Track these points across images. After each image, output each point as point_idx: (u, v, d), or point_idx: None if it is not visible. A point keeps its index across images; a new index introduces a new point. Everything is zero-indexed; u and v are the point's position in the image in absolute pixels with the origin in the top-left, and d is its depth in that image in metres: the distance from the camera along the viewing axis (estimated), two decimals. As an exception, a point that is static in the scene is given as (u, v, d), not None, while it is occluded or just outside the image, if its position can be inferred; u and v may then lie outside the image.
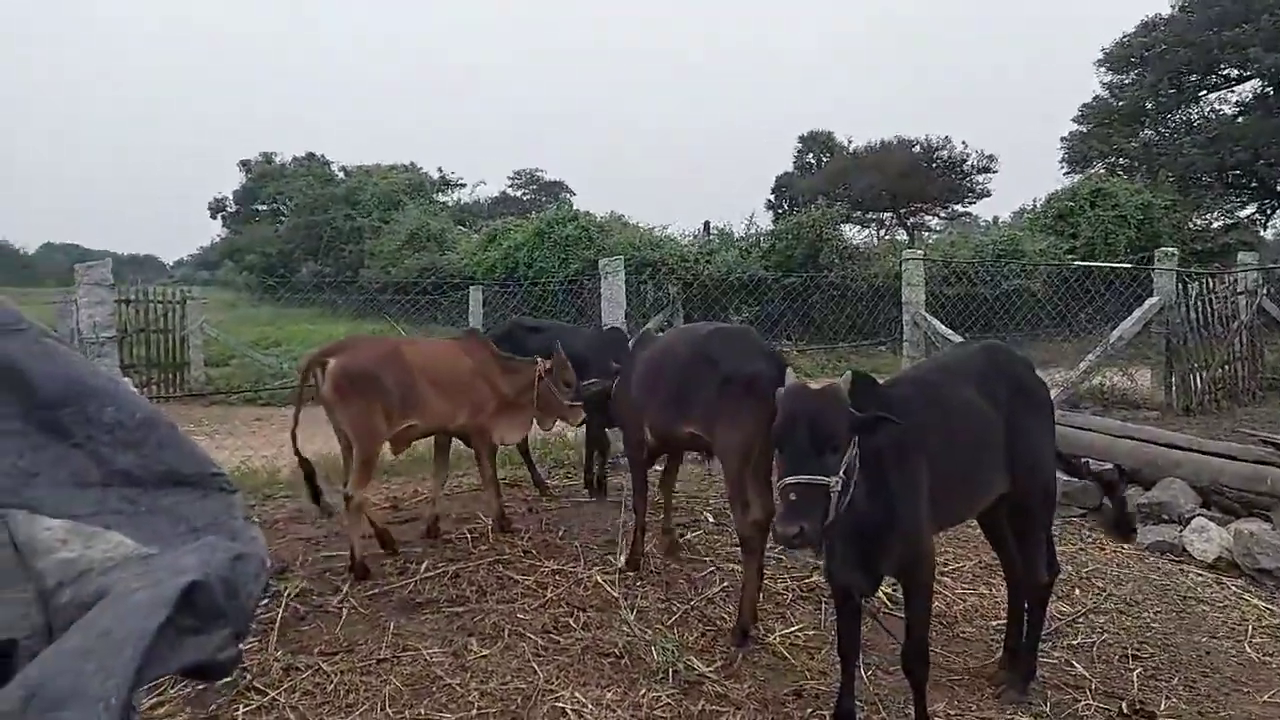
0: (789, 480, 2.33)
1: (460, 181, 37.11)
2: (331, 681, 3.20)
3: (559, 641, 3.57)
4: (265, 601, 3.80)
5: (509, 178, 44.68)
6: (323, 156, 39.08)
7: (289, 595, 3.95)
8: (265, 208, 40.46)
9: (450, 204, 33.73)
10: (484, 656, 3.43)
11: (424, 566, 4.37)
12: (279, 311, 24.45)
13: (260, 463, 6.72)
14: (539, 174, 44.64)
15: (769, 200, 38.37)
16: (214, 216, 44.41)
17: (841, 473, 2.37)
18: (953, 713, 3.03)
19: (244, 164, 41.85)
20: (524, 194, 43.21)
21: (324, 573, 4.33)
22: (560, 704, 3.07)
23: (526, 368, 5.03)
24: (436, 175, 35.61)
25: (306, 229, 29.76)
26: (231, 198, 43.13)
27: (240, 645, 1.22)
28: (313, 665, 3.32)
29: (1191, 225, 20.23)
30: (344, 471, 4.58)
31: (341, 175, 35.40)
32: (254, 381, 12.23)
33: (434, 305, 16.77)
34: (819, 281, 14.91)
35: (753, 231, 18.88)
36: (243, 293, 33.84)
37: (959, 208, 35.63)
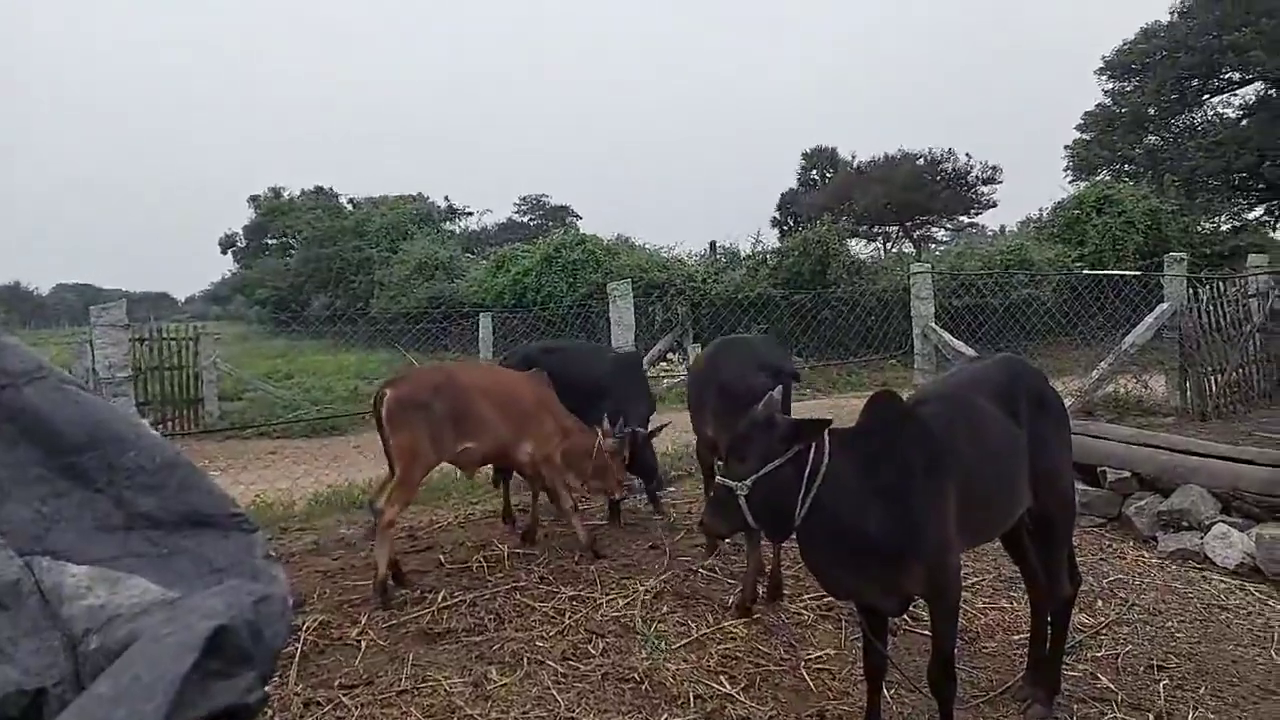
0: (720, 483, 2.70)
1: (467, 210, 37.43)
2: (352, 715, 3.20)
3: (578, 668, 3.56)
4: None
5: (515, 204, 45.01)
6: (331, 189, 39.51)
7: (308, 628, 3.95)
8: (275, 242, 40.81)
9: (458, 232, 33.97)
10: (503, 685, 3.42)
11: (441, 596, 4.37)
12: (291, 344, 24.63)
13: (276, 496, 6.75)
14: (545, 199, 44.94)
15: (774, 217, 38.47)
16: (224, 252, 44.85)
17: (752, 479, 2.58)
18: (978, 730, 3.00)
19: (253, 199, 42.30)
20: (530, 219, 43.45)
21: (342, 605, 4.33)
22: (582, 732, 3.06)
23: (588, 434, 5.14)
24: (443, 204, 35.92)
25: (316, 261, 30.00)
26: (242, 233, 43.54)
27: (267, 686, 1.23)
28: (333, 699, 3.32)
29: (1199, 229, 20.18)
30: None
31: (350, 207, 35.73)
32: (267, 415, 12.30)
33: (444, 333, 16.86)
34: (827, 297, 14.93)
35: (759, 249, 18.94)
36: (254, 326, 34.12)
37: (965, 219, 35.63)
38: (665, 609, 4.18)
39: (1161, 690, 3.29)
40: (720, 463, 2.82)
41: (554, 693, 3.35)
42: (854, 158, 38.17)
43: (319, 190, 39.56)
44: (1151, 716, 3.06)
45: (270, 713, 3.21)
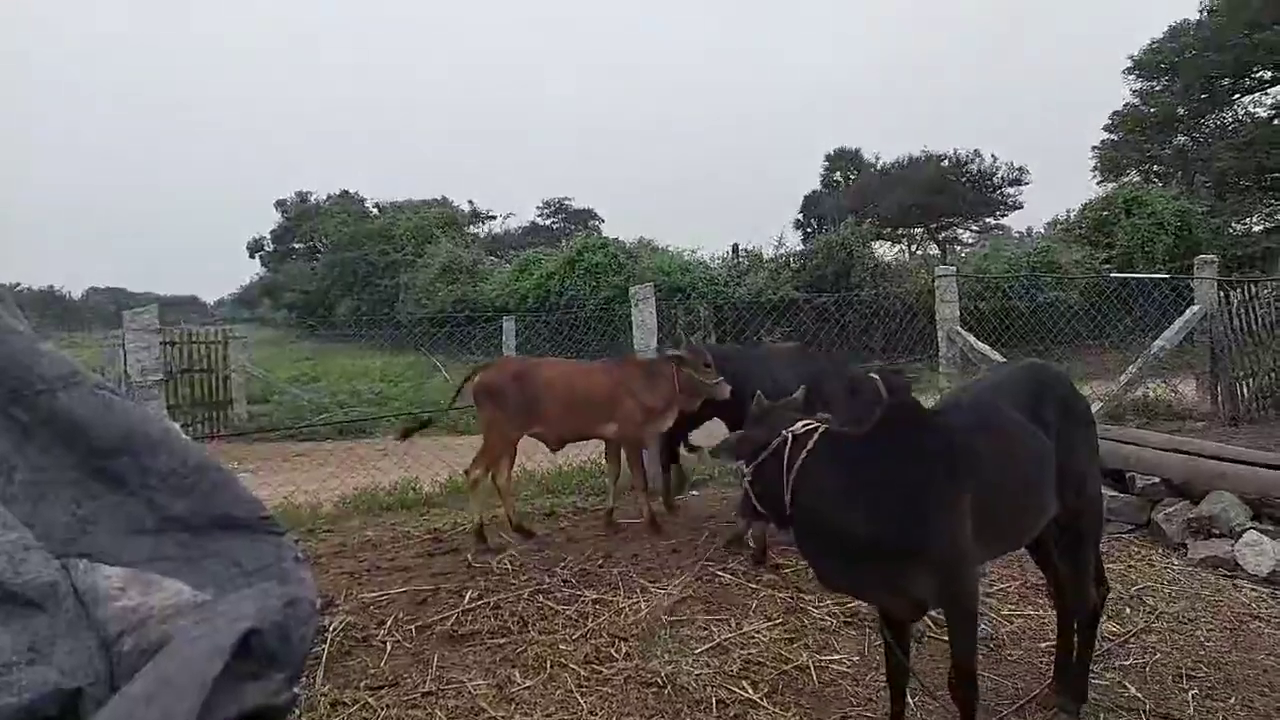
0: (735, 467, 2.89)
1: (491, 214, 37.70)
2: (378, 716, 3.24)
3: (601, 672, 3.57)
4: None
5: (538, 207, 45.20)
6: (357, 194, 39.94)
7: (334, 630, 4.00)
8: (301, 246, 41.32)
9: (482, 236, 34.21)
10: (527, 688, 3.45)
11: (466, 598, 4.40)
12: (318, 347, 24.91)
13: (303, 498, 6.83)
14: (567, 202, 45.10)
15: (798, 219, 38.34)
16: (252, 256, 45.49)
17: (751, 467, 2.73)
18: (1003, 739, 2.98)
19: (280, 204, 42.89)
20: (553, 223, 43.62)
21: (368, 606, 4.38)
22: (604, 736, 3.07)
23: (664, 365, 5.71)
24: (468, 208, 36.19)
25: (342, 265, 30.33)
26: (269, 237, 44.13)
27: (295, 688, 1.25)
28: (359, 700, 3.36)
29: (1231, 231, 19.85)
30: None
31: (375, 211, 36.09)
32: (294, 418, 12.44)
33: (468, 336, 16.98)
34: (851, 300, 14.85)
35: (782, 252, 18.89)
36: (282, 330, 34.54)
37: (991, 221, 35.29)
38: (688, 613, 4.18)
39: (1190, 700, 3.24)
40: None
41: (577, 696, 3.36)
42: (878, 159, 38.01)
43: (345, 194, 40.01)
44: (1180, 726, 3.02)
45: (298, 713, 3.25)
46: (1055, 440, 2.91)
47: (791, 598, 4.30)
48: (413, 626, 4.08)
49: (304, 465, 8.95)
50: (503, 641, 3.91)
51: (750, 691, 3.36)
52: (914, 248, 34.60)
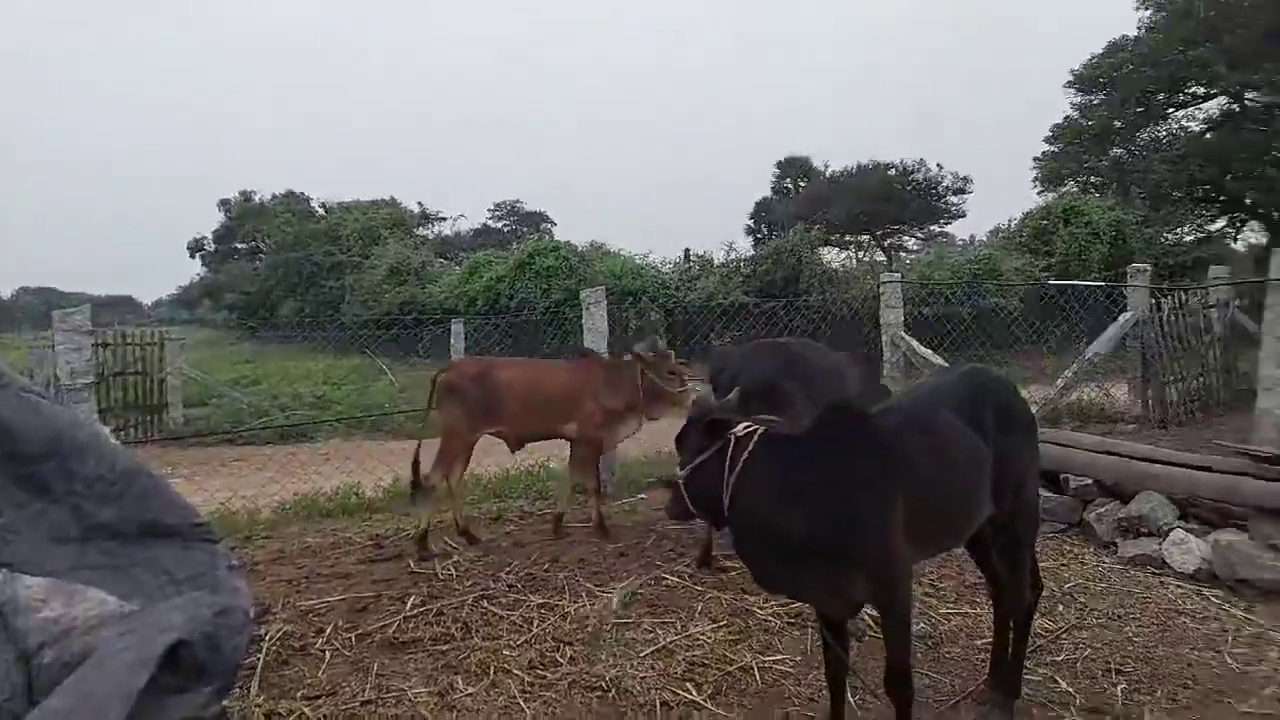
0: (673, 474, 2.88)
1: (440, 215, 37.25)
2: (317, 726, 3.18)
3: (545, 677, 3.56)
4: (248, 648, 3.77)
5: (489, 210, 44.82)
6: (302, 193, 39.10)
7: (271, 639, 3.92)
8: (244, 246, 40.33)
9: (431, 237, 33.78)
10: (469, 695, 3.42)
11: (408, 605, 4.35)
12: (259, 349, 24.34)
13: (241, 504, 6.67)
14: (519, 205, 44.81)
15: (748, 225, 38.70)
16: (193, 256, 44.20)
17: (687, 469, 2.76)
18: (939, 736, 3.04)
19: (223, 203, 41.79)
20: (505, 225, 43.31)
21: (307, 614, 4.30)
22: (548, 741, 3.06)
23: (630, 367, 5.70)
24: (417, 209, 35.71)
25: (286, 266, 29.67)
26: (210, 236, 42.99)
27: (225, 700, 1.23)
28: (295, 710, 3.29)
29: (1163, 240, 20.59)
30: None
31: (321, 211, 35.40)
32: (234, 421, 12.13)
33: (415, 338, 16.76)
34: (799, 305, 15.03)
35: (733, 257, 19.05)
36: (222, 331, 33.67)
37: (935, 228, 36.04)
38: (634, 616, 4.19)
39: (1119, 694, 3.35)
40: None
41: (520, 702, 3.35)
42: (827, 167, 38.52)
43: (290, 194, 39.14)
44: (1108, 719, 3.11)
45: (232, 725, 3.18)
46: (993, 444, 2.98)
47: (737, 599, 4.34)
48: (352, 634, 4.02)
49: (242, 470, 8.74)
50: (445, 648, 3.87)
51: (694, 693, 3.38)
52: (861, 254, 35.10)
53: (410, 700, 3.37)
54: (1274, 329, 6.04)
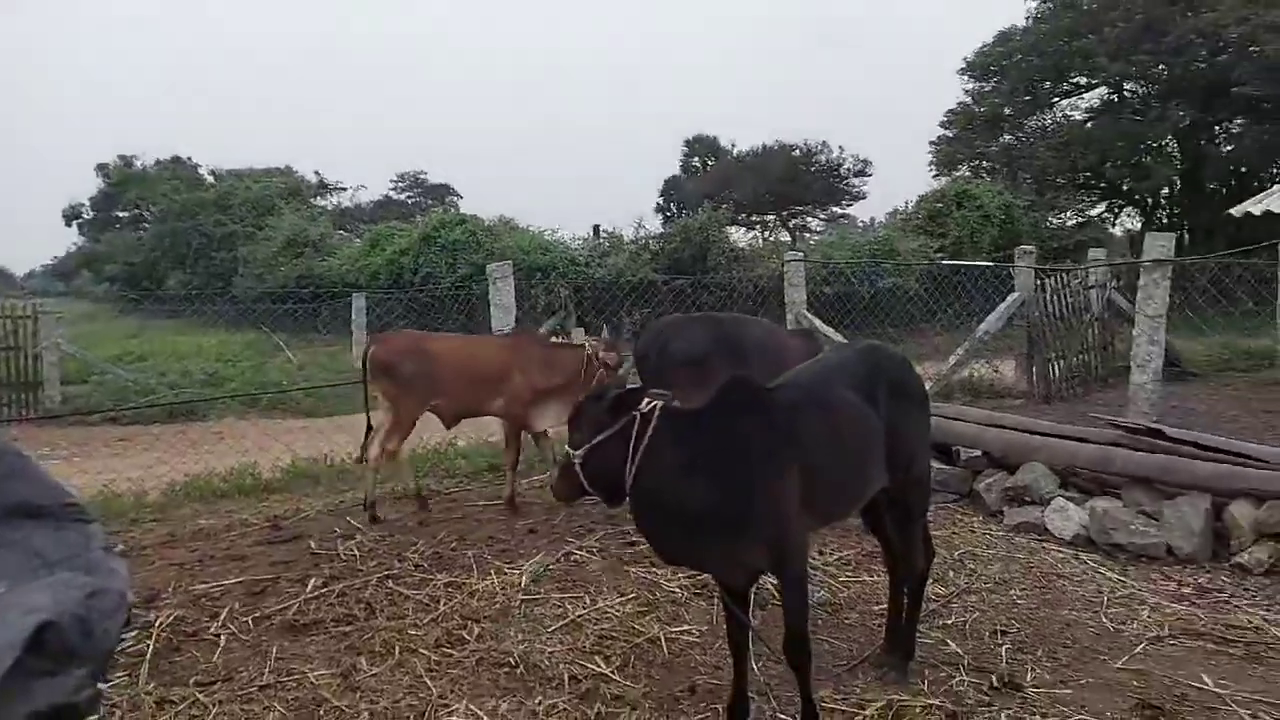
0: (564, 452, 2.85)
1: (340, 185, 36.08)
2: (210, 713, 3.05)
3: (452, 655, 3.52)
4: (133, 634, 3.58)
5: (391, 181, 43.73)
6: (190, 159, 37.18)
7: (160, 625, 3.73)
8: (126, 214, 38.11)
9: (329, 208, 32.66)
10: (374, 675, 3.34)
11: (309, 586, 4.22)
12: (144, 323, 23.05)
13: (126, 485, 6.34)
14: (423, 176, 43.81)
15: (658, 203, 38.84)
16: (69, 224, 41.52)
17: (585, 449, 2.73)
18: (838, 697, 3.15)
19: (101, 168, 39.25)
20: (408, 197, 42.30)
21: (199, 599, 4.11)
22: (454, 718, 3.03)
23: (574, 351, 5.71)
24: (314, 179, 34.46)
25: (173, 236, 28.17)
26: (88, 204, 40.42)
27: (101, 684, 1.15)
28: (189, 697, 3.14)
29: (1048, 224, 21.69)
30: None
31: (210, 179, 33.70)
32: (116, 400, 11.46)
33: (314, 313, 16.20)
34: (707, 283, 15.19)
35: (642, 235, 19.07)
36: (103, 304, 31.77)
37: (838, 209, 37.01)
38: (543, 592, 4.18)
39: (1004, 653, 3.53)
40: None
41: (426, 680, 3.30)
42: (734, 146, 39.02)
43: (176, 160, 37.16)
44: (994, 678, 3.27)
45: (119, 714, 3.01)
46: (885, 418, 3.09)
47: (646, 572, 4.37)
48: (249, 618, 3.87)
49: (128, 450, 8.30)
50: (348, 629, 3.78)
51: (602, 666, 3.40)
52: (767, 234, 35.79)
53: (311, 683, 3.27)
54: (1145, 308, 6.44)
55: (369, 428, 5.46)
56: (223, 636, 3.69)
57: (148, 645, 3.54)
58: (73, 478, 6.50)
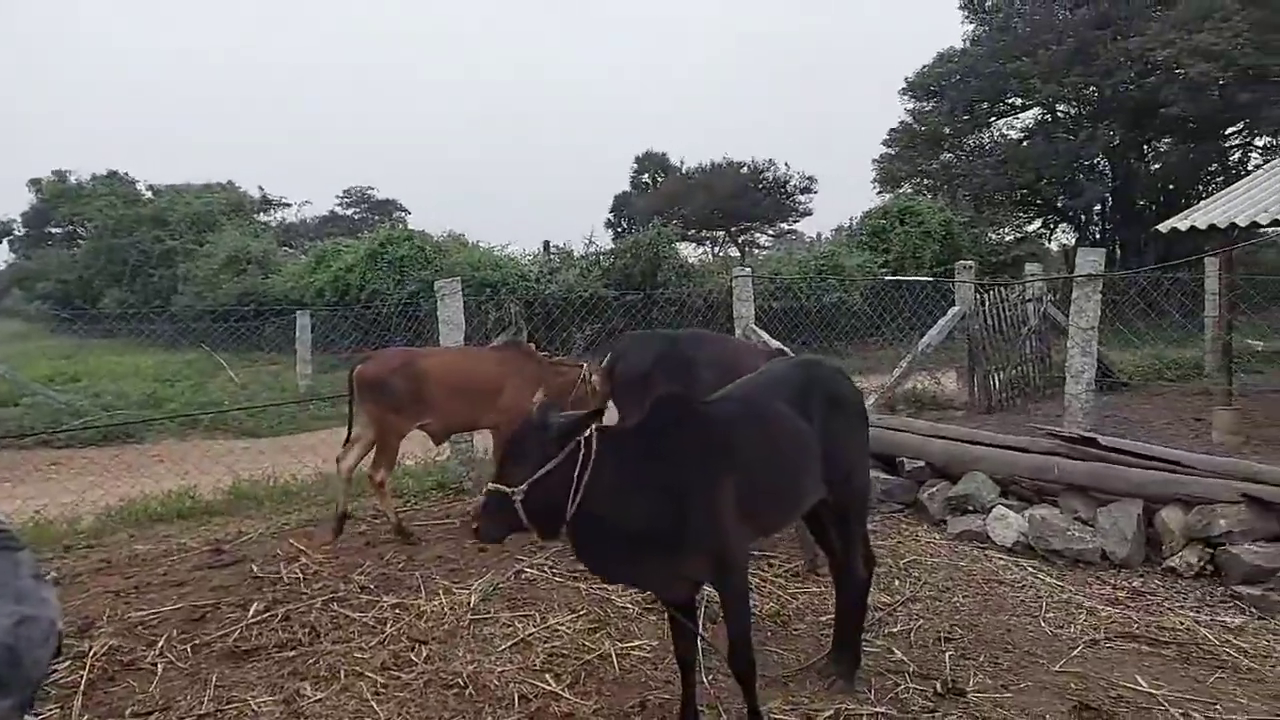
0: (488, 488, 2.67)
1: (284, 201, 35.46)
2: (147, 745, 2.97)
3: (399, 677, 3.47)
4: (65, 664, 3.47)
5: (337, 196, 43.08)
6: (126, 175, 36.12)
7: (95, 654, 3.62)
8: (60, 230, 36.94)
9: (273, 224, 32.08)
10: (318, 701, 3.28)
11: (251, 611, 4.12)
12: (80, 343, 22.29)
13: (58, 511, 6.12)
14: (370, 192, 43.24)
15: (608, 219, 38.94)
16: (0, 241, 40.05)
17: (528, 484, 2.56)
18: (786, 707, 3.18)
19: (34, 183, 37.98)
20: (354, 213, 41.71)
21: (135, 627, 3.99)
22: (402, 742, 2.99)
23: (571, 370, 5.68)
24: (257, 194, 33.82)
25: (109, 253, 27.34)
26: (20, 220, 39.09)
27: (30, 716, 1.12)
28: (125, 729, 3.06)
29: (987, 240, 22.32)
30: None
31: (149, 195, 32.82)
32: (49, 423, 11.07)
33: (257, 331, 15.87)
34: (657, 298, 15.27)
35: (592, 250, 19.09)
36: (35, 324, 30.66)
37: (785, 225, 37.54)
38: (492, 611, 4.14)
39: (947, 660, 3.61)
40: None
41: (373, 703, 3.24)
42: (683, 164, 39.31)
43: (113, 175, 36.04)
44: (938, 684, 3.35)
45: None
46: (821, 430, 3.14)
47: (597, 588, 4.36)
48: (188, 645, 3.77)
49: (60, 475, 8.02)
50: (292, 654, 3.70)
51: (553, 684, 3.38)
52: (716, 249, 36.12)
53: (253, 710, 3.20)
54: (1079, 321, 6.66)
55: (348, 438, 5.39)
56: (160, 665, 3.59)
57: (81, 675, 3.44)
58: (2, 504, 6.26)
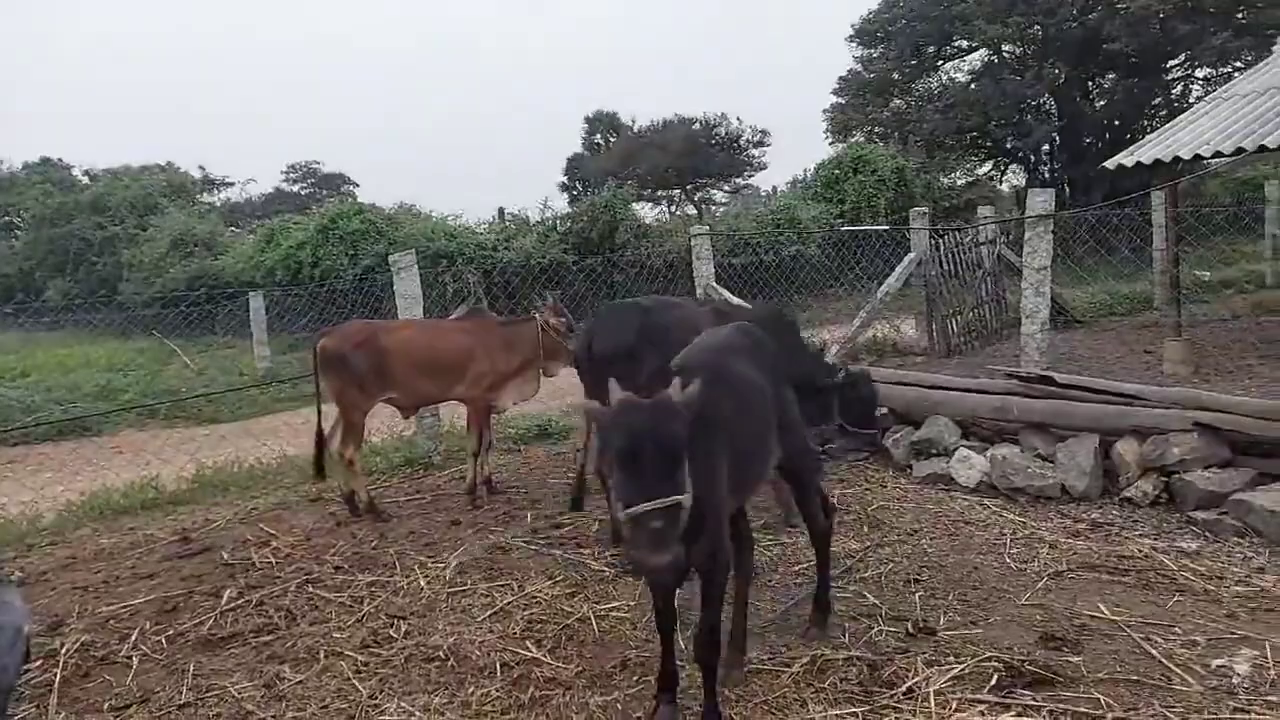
0: (645, 507, 2.15)
1: (227, 180, 34.53)
2: (128, 739, 2.95)
3: (380, 654, 3.48)
4: (37, 662, 3.43)
5: (283, 172, 41.93)
6: (60, 161, 34.86)
7: (67, 651, 3.58)
8: (-6, 222, 35.62)
9: (218, 204, 31.25)
10: (299, 683, 3.28)
11: (224, 599, 4.09)
12: (25, 338, 21.61)
13: (17, 510, 5.99)
14: (316, 166, 42.19)
15: (562, 182, 38.48)
16: (-71, 235, 38.50)
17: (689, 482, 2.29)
18: (765, 657, 3.24)
19: (-38, 174, 36.50)
20: (301, 189, 40.72)
21: (107, 621, 3.95)
22: (386, 717, 3.00)
23: (529, 326, 5.66)
24: (199, 174, 32.87)
25: (48, 243, 26.43)
26: (-50, 212, 37.57)
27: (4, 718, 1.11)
28: (104, 724, 3.03)
29: (939, 185, 22.48)
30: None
31: (85, 180, 31.74)
32: (0, 420, 10.78)
33: (209, 315, 15.53)
34: (617, 261, 15.20)
35: (549, 215, 18.88)
36: (-25, 320, 29.69)
37: (740, 180, 37.42)
38: (469, 582, 4.16)
39: (917, 601, 3.70)
40: (617, 476, 2.36)
41: (354, 682, 3.25)
42: (634, 122, 38.85)
43: (46, 161, 34.77)
44: (909, 625, 3.43)
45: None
46: (773, 389, 3.13)
47: (573, 554, 4.40)
48: (162, 637, 3.75)
49: (16, 473, 7.82)
50: (269, 639, 3.69)
51: (534, 650, 3.42)
52: (673, 208, 35.95)
53: (234, 696, 3.19)
54: (1033, 261, 6.76)
55: (320, 416, 5.35)
56: (135, 658, 3.56)
57: (55, 674, 3.40)
58: (-44, 507, 6.11)
